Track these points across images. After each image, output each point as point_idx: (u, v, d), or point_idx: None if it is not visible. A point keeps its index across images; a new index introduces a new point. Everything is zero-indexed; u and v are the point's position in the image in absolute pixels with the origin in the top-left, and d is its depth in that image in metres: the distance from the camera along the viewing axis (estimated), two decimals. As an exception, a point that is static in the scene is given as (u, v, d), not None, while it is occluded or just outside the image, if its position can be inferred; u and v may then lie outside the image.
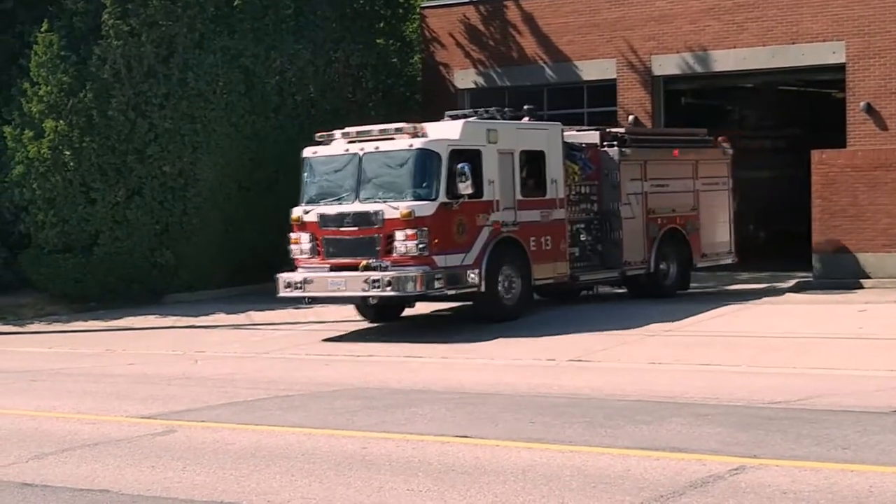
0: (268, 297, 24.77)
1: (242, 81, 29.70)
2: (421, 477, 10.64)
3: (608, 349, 18.97)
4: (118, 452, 12.36)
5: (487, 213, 21.60)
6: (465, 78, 33.34)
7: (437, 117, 26.72)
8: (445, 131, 21.67)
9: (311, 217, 21.79)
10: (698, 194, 26.26)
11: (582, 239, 24.15)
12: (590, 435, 12.16)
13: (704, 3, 29.98)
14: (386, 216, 20.84)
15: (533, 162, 22.82)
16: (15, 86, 29.43)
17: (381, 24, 34.36)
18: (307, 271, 21.76)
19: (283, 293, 22.05)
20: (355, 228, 21.14)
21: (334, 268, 21.36)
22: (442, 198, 20.86)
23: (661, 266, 25.40)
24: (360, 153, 21.55)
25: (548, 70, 32.13)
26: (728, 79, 30.91)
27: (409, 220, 20.61)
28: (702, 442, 11.61)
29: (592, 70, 31.49)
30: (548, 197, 22.94)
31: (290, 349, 21.39)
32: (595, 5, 31.35)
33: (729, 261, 27.28)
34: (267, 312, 25.84)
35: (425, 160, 21.02)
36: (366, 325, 23.50)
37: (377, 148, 21.46)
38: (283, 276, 22.04)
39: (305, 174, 22.40)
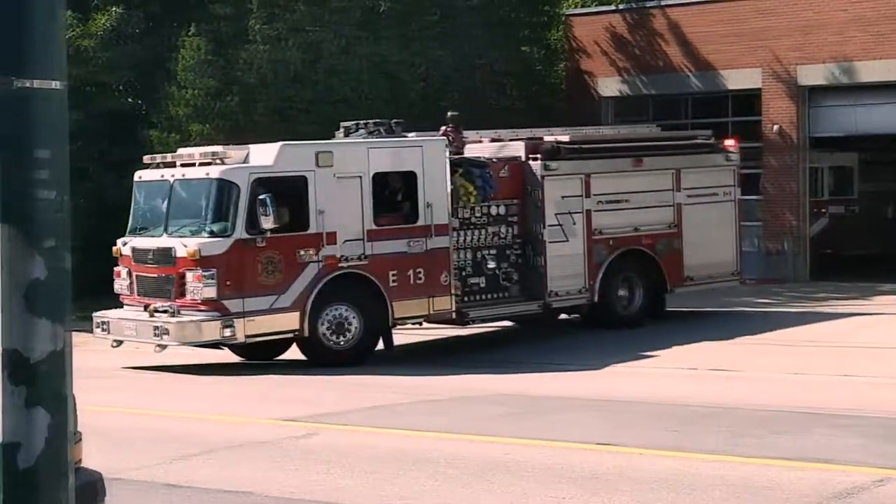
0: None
1: (387, 87, 29.93)
2: (564, 484, 10.63)
3: (746, 359, 18.74)
4: (261, 454, 12.53)
5: (316, 247, 18.99)
6: (609, 86, 33.22)
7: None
8: (259, 157, 19.22)
9: (126, 250, 20.01)
10: (681, 208, 22.73)
11: (490, 267, 20.90)
12: (731, 444, 12.05)
13: (849, 13, 29.47)
14: (178, 254, 18.87)
15: (399, 185, 20.18)
16: (161, 89, 30.02)
17: (526, 32, 34.39)
18: (125, 309, 20.14)
19: (96, 334, 20.20)
20: (157, 266, 19.32)
21: (147, 308, 19.48)
22: (240, 234, 18.53)
23: (621, 293, 22.18)
24: (171, 180, 19.67)
25: (692, 79, 31.87)
26: (874, 90, 30.29)
27: (198, 260, 18.55)
28: (845, 453, 11.44)
29: (737, 79, 31.15)
30: (420, 224, 19.94)
31: (431, 354, 21.47)
32: (740, 15, 31.01)
33: (731, 283, 23.94)
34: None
35: (221, 191, 18.94)
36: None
37: (184, 175, 19.55)
38: (97, 316, 20.26)
39: (132, 201, 20.58)
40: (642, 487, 10.38)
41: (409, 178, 20.09)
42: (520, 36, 33.90)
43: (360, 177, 19.59)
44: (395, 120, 21.58)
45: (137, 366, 19.84)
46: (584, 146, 22.10)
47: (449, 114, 22.14)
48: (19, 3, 3.62)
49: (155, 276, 19.38)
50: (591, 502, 10.01)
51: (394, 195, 20.15)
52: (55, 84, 3.74)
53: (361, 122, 21.62)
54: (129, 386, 18.42)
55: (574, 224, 21.44)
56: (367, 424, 14.04)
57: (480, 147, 22.00)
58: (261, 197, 18.44)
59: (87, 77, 29.49)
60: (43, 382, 3.68)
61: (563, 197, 21.37)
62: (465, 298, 20.62)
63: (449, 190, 20.17)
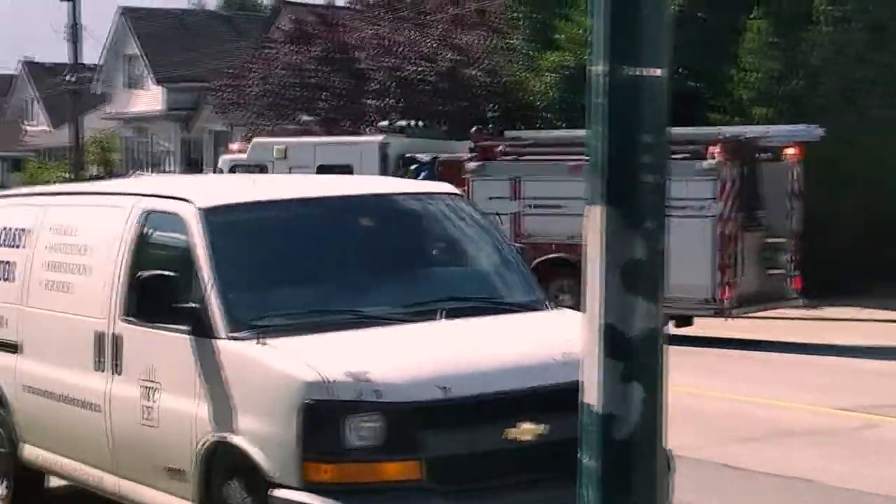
0: None
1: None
2: None
3: None
4: (817, 442, 12.37)
5: None
6: None
7: None
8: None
9: None
10: None
11: None
12: None
13: None
14: None
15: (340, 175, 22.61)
16: (724, 72, 30.02)
17: None
18: None
19: None
20: None
21: None
22: None
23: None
24: None
25: None
26: None
27: None
28: None
29: None
30: None
31: None
32: None
33: (703, 312, 19.99)
34: None
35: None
36: None
37: None
38: None
39: None
40: None
41: (347, 171, 22.37)
42: None
43: (307, 167, 23.07)
44: (419, 122, 25.40)
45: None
46: (521, 148, 21.90)
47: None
48: (633, -6, 3.80)
49: None
50: None
51: None
52: (660, 72, 3.90)
53: (396, 122, 25.56)
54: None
55: (503, 226, 20.53)
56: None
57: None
58: None
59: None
60: (639, 358, 3.84)
61: (489, 198, 20.87)
62: None
63: None
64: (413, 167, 22.74)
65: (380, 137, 24.39)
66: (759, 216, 19.84)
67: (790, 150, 20.60)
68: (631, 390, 3.82)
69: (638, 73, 3.84)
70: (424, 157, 23.04)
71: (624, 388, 3.82)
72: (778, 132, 21.19)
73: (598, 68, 3.89)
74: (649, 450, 3.85)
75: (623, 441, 3.82)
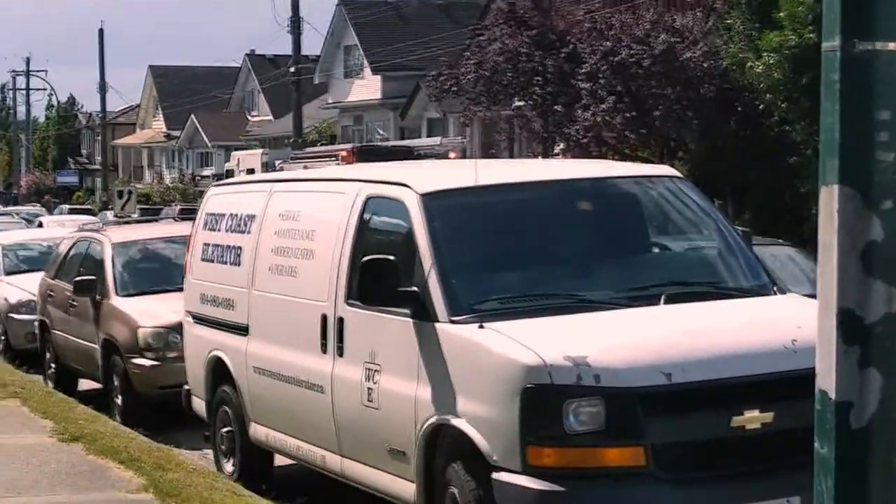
0: None
1: None
2: None
3: None
4: None
5: None
6: None
7: None
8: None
9: None
10: None
11: None
12: None
13: None
14: None
15: None
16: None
17: None
18: None
19: None
20: None
21: None
22: None
23: None
24: None
25: None
26: None
27: None
28: None
29: None
30: None
31: None
32: None
33: None
34: None
35: None
36: None
37: None
38: None
39: None
40: None
41: (252, 172, 29.19)
42: None
43: (244, 171, 29.55)
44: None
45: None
46: (309, 155, 29.76)
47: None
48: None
49: None
50: None
51: None
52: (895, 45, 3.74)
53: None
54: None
55: None
56: None
57: None
58: None
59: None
60: (876, 344, 3.70)
61: None
62: None
63: None
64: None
65: (260, 151, 34.81)
66: None
67: (451, 155, 27.96)
68: (867, 377, 3.69)
69: (872, 47, 3.69)
70: (278, 162, 30.32)
71: (862, 375, 3.69)
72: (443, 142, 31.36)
73: (830, 44, 3.75)
74: (888, 439, 3.71)
75: (860, 430, 3.69)
